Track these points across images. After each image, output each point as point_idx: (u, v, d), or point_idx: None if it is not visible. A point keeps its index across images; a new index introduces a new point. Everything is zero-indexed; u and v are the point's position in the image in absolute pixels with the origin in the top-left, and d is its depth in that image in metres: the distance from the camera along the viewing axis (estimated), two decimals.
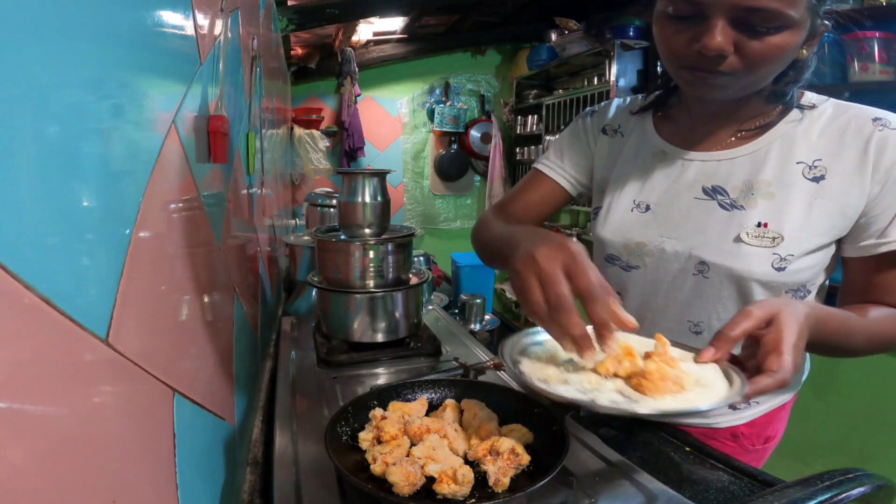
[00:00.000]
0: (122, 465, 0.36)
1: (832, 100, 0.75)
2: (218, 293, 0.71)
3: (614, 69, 2.70)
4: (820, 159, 0.70)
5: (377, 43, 3.61)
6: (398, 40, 3.63)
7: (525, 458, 0.58)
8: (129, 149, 0.41)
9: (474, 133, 3.99)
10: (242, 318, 0.90)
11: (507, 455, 0.57)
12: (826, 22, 0.69)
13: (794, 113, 0.74)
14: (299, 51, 3.33)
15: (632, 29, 2.76)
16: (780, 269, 0.70)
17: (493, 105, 4.07)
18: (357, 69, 3.47)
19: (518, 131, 3.92)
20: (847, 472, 0.59)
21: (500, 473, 0.54)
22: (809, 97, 0.75)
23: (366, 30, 3.29)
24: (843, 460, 1.86)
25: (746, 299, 0.73)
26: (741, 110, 0.75)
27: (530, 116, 3.77)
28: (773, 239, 0.69)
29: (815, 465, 2.05)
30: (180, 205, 0.55)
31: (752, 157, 0.74)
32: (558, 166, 0.94)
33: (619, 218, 0.83)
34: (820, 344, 0.64)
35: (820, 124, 0.72)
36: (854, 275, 0.73)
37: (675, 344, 0.61)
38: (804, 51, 0.69)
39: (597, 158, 0.91)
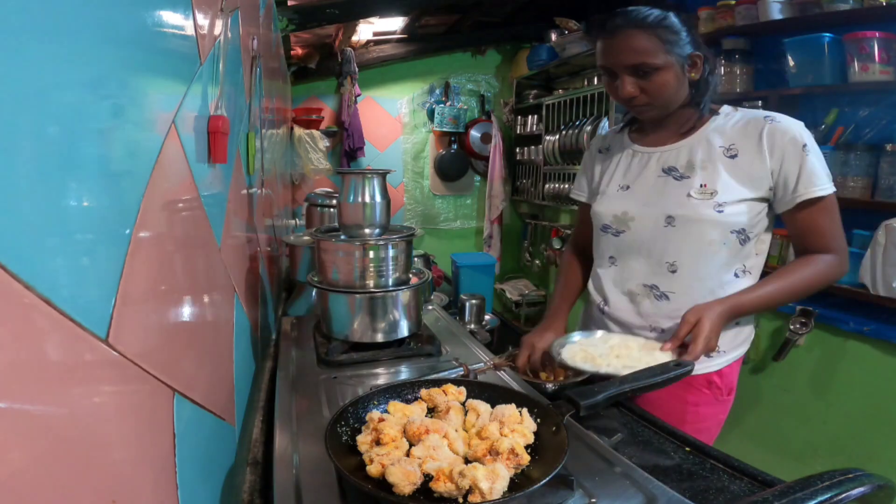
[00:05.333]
0: (122, 464, 0.36)
1: (738, 108, 1.11)
2: (218, 293, 0.71)
3: None
4: (734, 144, 1.04)
5: (377, 43, 3.61)
6: (398, 40, 3.63)
7: (525, 459, 0.58)
8: (130, 149, 0.41)
9: (474, 133, 3.99)
10: (242, 317, 0.90)
11: (506, 455, 0.57)
12: (698, 53, 1.02)
13: (714, 117, 1.09)
14: (299, 51, 3.33)
15: None
16: (719, 212, 1.02)
17: (493, 105, 4.07)
18: (357, 69, 3.47)
19: (518, 131, 3.91)
20: (847, 472, 0.59)
21: (490, 484, 0.54)
22: (724, 109, 1.10)
23: (366, 30, 3.29)
24: (843, 460, 1.86)
25: (704, 237, 1.04)
26: (676, 119, 1.11)
27: (530, 116, 3.77)
28: (712, 194, 1.03)
29: (815, 465, 2.05)
30: (180, 205, 0.55)
31: (690, 146, 1.09)
32: (583, 190, 1.30)
33: (610, 197, 1.18)
34: (747, 315, 1.06)
35: (731, 122, 1.07)
36: (790, 227, 1.06)
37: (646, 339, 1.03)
38: (693, 75, 1.04)
39: (596, 171, 1.27)
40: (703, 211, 1.03)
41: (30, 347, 0.26)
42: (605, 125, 2.81)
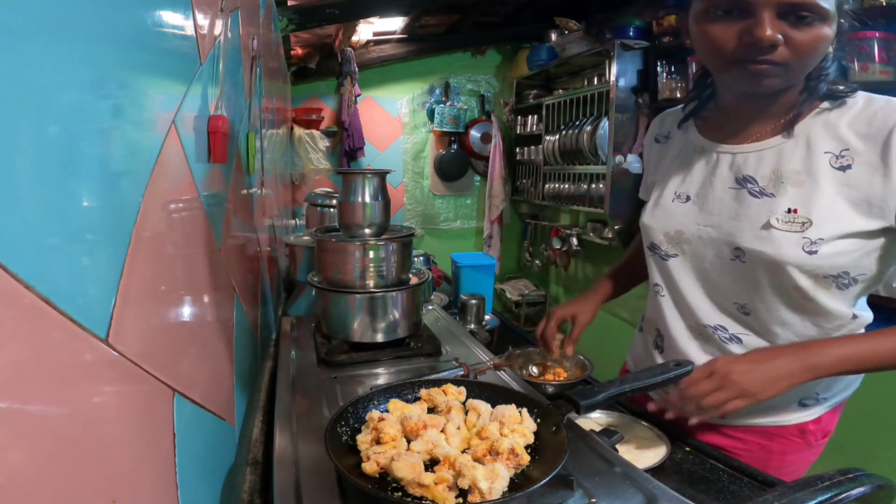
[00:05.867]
0: (122, 465, 0.36)
1: (863, 92, 0.76)
2: (218, 293, 0.71)
3: (614, 69, 2.69)
4: (847, 150, 0.73)
5: (377, 43, 3.60)
6: (398, 40, 3.63)
7: (525, 459, 0.58)
8: (130, 149, 0.41)
9: (474, 133, 3.98)
10: (242, 317, 0.90)
11: (506, 455, 0.57)
12: (843, 21, 0.73)
13: (823, 105, 0.77)
14: (299, 51, 3.33)
15: (631, 29, 2.75)
16: (811, 253, 0.73)
17: (492, 105, 4.07)
18: (357, 69, 3.47)
19: (518, 131, 3.91)
20: (847, 472, 0.59)
21: (490, 484, 0.54)
22: (840, 90, 0.76)
23: (366, 30, 3.28)
24: (844, 460, 1.86)
25: (786, 283, 0.76)
26: (774, 105, 0.79)
27: (530, 116, 3.77)
28: (803, 224, 0.73)
29: (815, 465, 2.05)
30: (180, 205, 0.55)
31: (780, 148, 0.78)
32: (648, 190, 1.02)
33: (662, 208, 0.90)
34: (834, 372, 0.73)
35: (848, 117, 0.74)
36: None
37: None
38: (830, 47, 0.73)
39: (650, 165, 1.01)
40: (786, 250, 0.74)
41: (30, 347, 0.26)
42: (604, 125, 2.80)
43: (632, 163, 2.70)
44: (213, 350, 0.66)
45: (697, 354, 0.87)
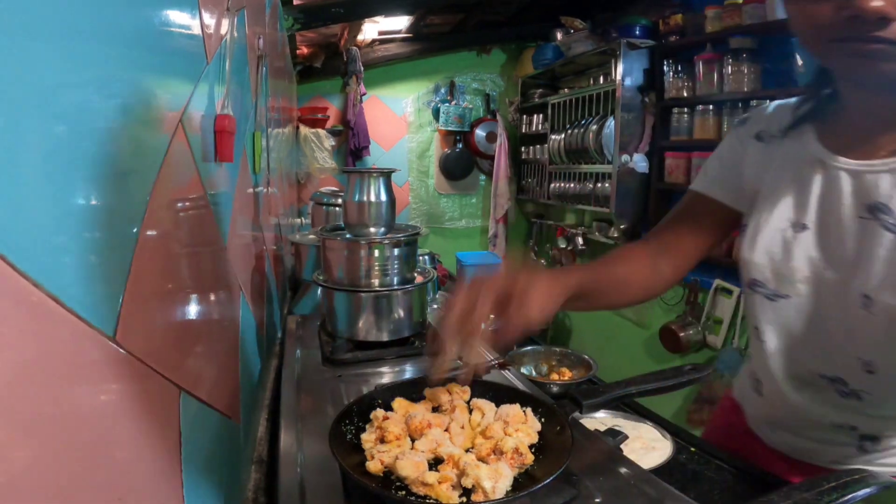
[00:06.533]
0: (129, 462, 0.36)
1: None
2: (224, 291, 0.72)
3: (620, 68, 2.69)
4: None
5: (382, 42, 3.61)
6: (403, 39, 3.63)
7: (529, 458, 0.58)
8: (137, 148, 0.41)
9: (479, 132, 3.98)
10: (248, 316, 0.90)
11: (510, 454, 0.57)
12: None
13: None
14: (305, 50, 3.34)
15: (637, 28, 2.74)
16: None
17: (498, 104, 4.07)
18: (362, 68, 3.47)
19: (523, 130, 3.90)
20: (853, 472, 0.59)
21: (493, 483, 0.53)
22: None
23: (371, 29, 3.29)
24: None
25: None
26: None
27: (536, 115, 3.76)
28: None
29: None
30: (187, 203, 0.55)
31: None
32: (707, 175, 0.82)
33: (770, 238, 0.70)
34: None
35: None
36: None
37: None
38: None
39: (747, 167, 0.77)
40: None
41: (37, 345, 0.27)
42: (610, 124, 2.79)
43: (638, 162, 2.69)
44: (219, 348, 0.67)
45: (807, 405, 0.72)
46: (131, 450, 0.37)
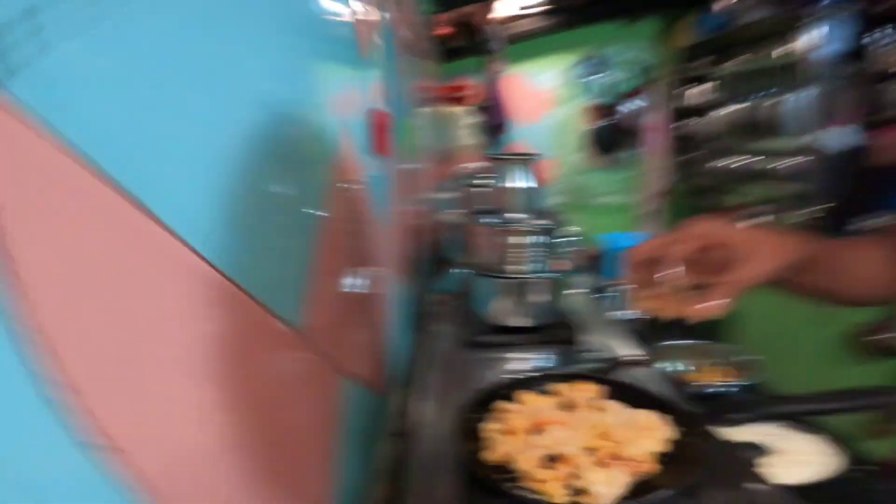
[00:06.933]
0: (296, 431, 0.40)
1: None
2: (374, 269, 0.76)
3: (813, 35, 2.30)
4: None
5: (522, 17, 3.52)
6: (544, 12, 3.50)
7: (649, 466, 0.54)
8: (314, 135, 0.44)
9: (630, 105, 3.71)
10: (396, 292, 0.95)
11: (630, 461, 0.54)
12: None
13: None
14: (444, 30, 3.39)
15: None
16: None
17: (650, 76, 3.74)
18: (502, 45, 3.43)
19: (679, 103, 3.56)
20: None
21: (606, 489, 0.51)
22: None
23: (510, 4, 3.22)
24: None
25: None
26: None
27: (693, 88, 3.39)
28: None
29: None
30: (349, 186, 0.59)
31: None
32: None
33: None
34: None
35: None
36: None
37: None
38: None
39: None
40: None
41: (241, 334, 0.30)
42: (796, 98, 2.41)
43: (840, 138, 2.32)
44: (370, 323, 0.71)
45: None
46: (298, 418, 0.40)
